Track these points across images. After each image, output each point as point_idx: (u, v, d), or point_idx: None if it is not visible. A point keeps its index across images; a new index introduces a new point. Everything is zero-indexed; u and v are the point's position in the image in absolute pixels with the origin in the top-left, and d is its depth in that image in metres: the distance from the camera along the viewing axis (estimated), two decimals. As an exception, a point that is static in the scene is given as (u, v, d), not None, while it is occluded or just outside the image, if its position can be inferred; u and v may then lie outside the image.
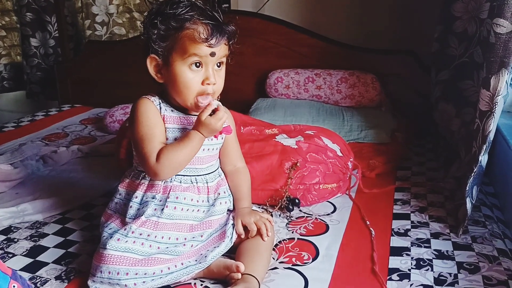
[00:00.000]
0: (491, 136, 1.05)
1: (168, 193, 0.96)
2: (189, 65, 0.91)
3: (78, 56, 2.33)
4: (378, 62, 1.82)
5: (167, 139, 0.95)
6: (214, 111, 0.91)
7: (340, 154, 1.32)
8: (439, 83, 1.52)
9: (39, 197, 1.25)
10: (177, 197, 0.96)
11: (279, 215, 1.20)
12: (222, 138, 1.04)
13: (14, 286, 0.70)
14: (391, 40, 1.91)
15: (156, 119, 0.95)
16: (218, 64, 0.94)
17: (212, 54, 0.91)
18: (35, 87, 2.50)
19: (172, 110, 0.97)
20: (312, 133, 1.37)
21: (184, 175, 0.98)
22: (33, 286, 0.80)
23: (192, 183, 0.98)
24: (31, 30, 2.41)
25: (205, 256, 0.93)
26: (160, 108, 0.96)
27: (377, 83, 1.77)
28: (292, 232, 1.12)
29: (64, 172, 1.45)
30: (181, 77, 0.91)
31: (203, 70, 0.92)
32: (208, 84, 0.92)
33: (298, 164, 1.25)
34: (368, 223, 1.15)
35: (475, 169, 1.06)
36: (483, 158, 1.09)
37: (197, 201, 0.99)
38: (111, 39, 2.35)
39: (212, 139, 1.00)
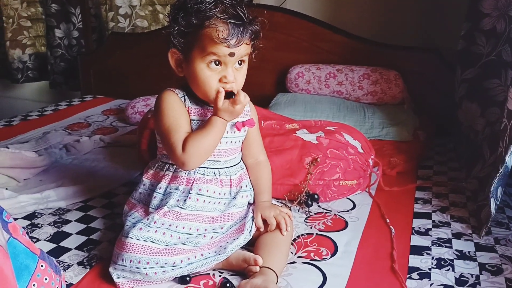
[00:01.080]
0: (519, 136, 1.03)
1: (192, 185, 0.96)
2: (208, 63, 0.90)
3: (101, 48, 2.36)
4: (402, 59, 1.79)
5: (192, 130, 0.96)
6: (233, 96, 0.91)
7: (361, 151, 1.31)
8: (464, 81, 1.49)
9: (62, 185, 1.28)
10: (200, 189, 0.96)
11: (298, 210, 1.19)
12: (245, 131, 1.04)
13: (42, 266, 0.72)
14: (416, 37, 1.88)
15: (181, 110, 0.95)
16: (240, 62, 0.93)
17: (231, 55, 0.89)
18: (59, 77, 2.55)
19: (196, 103, 0.98)
20: (333, 129, 1.36)
21: (207, 168, 0.98)
22: (59, 266, 0.82)
23: (215, 175, 0.99)
24: (56, 21, 2.45)
25: (224, 248, 0.94)
26: (185, 100, 0.97)
27: (400, 80, 1.74)
28: (311, 228, 1.11)
29: (86, 161, 1.48)
30: (199, 74, 0.91)
31: (222, 69, 0.91)
32: (226, 82, 0.91)
33: (318, 160, 1.24)
34: (388, 221, 1.13)
35: (501, 170, 1.04)
36: (509, 159, 1.06)
37: (219, 193, 0.99)
38: (134, 31, 2.37)
39: (235, 132, 1.00)
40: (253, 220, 1.00)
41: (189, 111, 0.96)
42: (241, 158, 1.07)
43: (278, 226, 1.00)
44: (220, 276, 0.93)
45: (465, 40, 1.48)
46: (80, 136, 1.66)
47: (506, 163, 1.05)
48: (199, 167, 0.97)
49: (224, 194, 1.00)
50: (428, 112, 1.74)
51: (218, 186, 0.99)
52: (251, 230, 0.99)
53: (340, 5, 2.02)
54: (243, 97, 0.90)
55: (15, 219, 1.11)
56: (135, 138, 1.52)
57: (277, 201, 1.20)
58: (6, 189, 1.25)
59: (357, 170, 1.27)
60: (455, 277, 0.92)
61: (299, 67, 1.86)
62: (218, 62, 0.91)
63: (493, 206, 1.05)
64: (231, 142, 1.00)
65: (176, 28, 0.90)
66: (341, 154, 1.27)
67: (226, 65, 0.91)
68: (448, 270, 0.94)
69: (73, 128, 1.82)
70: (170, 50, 0.94)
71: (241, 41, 0.89)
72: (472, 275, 0.92)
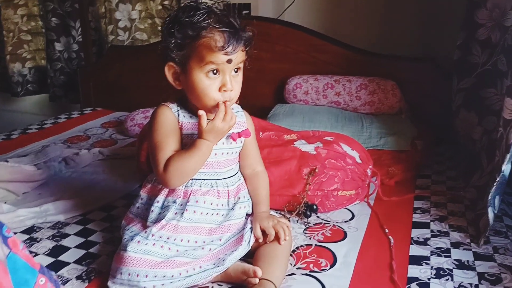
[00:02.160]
0: (515, 145, 1.03)
1: (188, 197, 0.97)
2: (206, 73, 0.92)
3: (100, 61, 2.37)
4: (399, 69, 1.81)
5: (185, 145, 0.96)
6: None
7: (359, 161, 1.31)
8: (461, 91, 1.50)
9: (61, 198, 1.28)
10: (197, 201, 0.97)
11: (297, 221, 1.19)
12: (241, 142, 1.04)
13: (42, 281, 0.72)
14: (412, 47, 1.90)
15: (172, 127, 0.96)
16: (236, 69, 0.95)
17: (229, 61, 0.91)
18: (58, 90, 2.56)
19: (190, 116, 0.98)
20: (331, 140, 1.36)
21: (204, 179, 0.99)
22: (59, 281, 0.82)
23: (212, 187, 0.99)
24: (56, 34, 2.47)
25: (223, 260, 0.94)
26: (178, 115, 0.97)
27: (397, 90, 1.76)
28: (310, 239, 1.11)
29: (85, 174, 1.48)
30: (198, 84, 0.92)
31: (220, 77, 0.92)
32: (225, 90, 0.93)
33: (316, 170, 1.24)
34: (387, 231, 1.13)
35: (498, 179, 1.05)
36: (506, 168, 1.07)
37: (217, 205, 0.99)
38: (133, 44, 2.39)
39: (231, 143, 1.00)
40: (251, 231, 1.00)
41: (183, 126, 0.97)
42: (239, 169, 1.07)
43: (276, 237, 1.00)
44: (219, 288, 0.93)
45: (461, 50, 1.49)
46: (79, 149, 1.67)
47: (503, 172, 1.06)
48: (195, 180, 0.97)
49: (222, 205, 1.00)
50: (426, 122, 1.75)
51: (216, 197, 0.99)
52: (249, 241, 0.99)
53: (337, 16, 2.04)
54: (229, 118, 0.91)
55: (14, 233, 1.11)
56: (134, 151, 1.52)
57: (276, 212, 1.20)
58: (5, 203, 1.25)
59: (355, 180, 1.27)
60: (454, 287, 0.91)
61: (297, 78, 1.87)
62: (216, 71, 0.92)
63: (491, 215, 1.05)
64: (227, 153, 1.01)
65: (173, 41, 0.91)
66: (339, 165, 1.27)
67: (224, 73, 0.92)
68: (447, 279, 0.94)
69: (72, 141, 1.83)
70: (167, 64, 0.95)
71: (237, 48, 0.91)
72: (471, 284, 0.92)
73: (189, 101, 0.98)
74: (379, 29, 1.97)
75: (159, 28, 2.35)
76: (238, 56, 0.93)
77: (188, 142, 0.96)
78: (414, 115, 1.77)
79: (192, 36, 0.90)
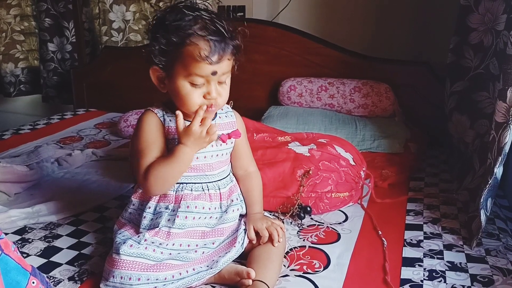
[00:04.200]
0: (507, 148, 1.04)
1: (180, 203, 0.95)
2: (190, 81, 0.89)
3: (94, 62, 2.36)
4: (392, 72, 1.82)
5: (171, 150, 0.94)
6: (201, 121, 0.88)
7: (353, 163, 1.32)
8: (454, 94, 1.52)
9: (53, 199, 1.27)
10: (188, 206, 0.95)
11: (291, 223, 1.20)
12: (232, 143, 1.03)
13: (33, 282, 0.72)
14: (406, 50, 1.91)
15: (156, 135, 0.94)
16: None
17: (214, 73, 0.88)
18: (51, 91, 2.55)
19: None
20: (325, 142, 1.37)
21: (194, 183, 0.97)
22: (51, 283, 0.81)
23: (203, 190, 0.97)
24: (49, 35, 2.46)
25: (216, 262, 0.94)
26: (164, 119, 0.95)
27: (391, 93, 1.77)
28: (304, 240, 1.11)
29: (78, 175, 1.47)
30: (182, 91, 0.90)
31: (205, 86, 0.90)
32: (210, 99, 0.90)
33: (310, 172, 1.25)
34: (380, 233, 1.14)
35: (490, 181, 1.06)
36: (498, 170, 1.08)
37: (209, 208, 0.98)
38: (127, 45, 2.38)
39: (221, 144, 0.99)
40: (245, 233, 1.00)
41: (169, 130, 0.95)
42: (231, 171, 1.06)
43: (270, 239, 0.99)
44: (212, 290, 0.93)
45: (454, 53, 1.51)
46: (72, 149, 1.66)
47: (495, 175, 1.07)
48: (186, 184, 0.96)
49: (215, 208, 0.99)
50: (419, 124, 1.76)
51: (208, 201, 0.97)
52: (243, 243, 0.98)
53: (331, 19, 2.05)
54: (208, 123, 0.87)
55: (6, 234, 1.10)
56: (128, 152, 1.52)
57: (270, 214, 1.20)
58: (-3, 203, 1.24)
59: (349, 182, 1.28)
60: (447, 289, 0.92)
61: (291, 80, 1.88)
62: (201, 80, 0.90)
63: (483, 218, 1.06)
64: (217, 155, 0.99)
65: (157, 47, 0.88)
66: (333, 167, 1.27)
67: (209, 82, 0.90)
68: (440, 281, 0.94)
69: (65, 142, 1.82)
70: (151, 67, 0.93)
71: (223, 57, 0.88)
72: (463, 286, 0.93)
73: (175, 104, 0.95)
74: (373, 32, 1.99)
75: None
76: (224, 65, 0.89)
77: (174, 147, 0.94)
78: (407, 118, 1.78)
79: (176, 43, 0.87)
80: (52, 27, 2.45)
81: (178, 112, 0.89)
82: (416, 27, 1.90)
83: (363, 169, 1.34)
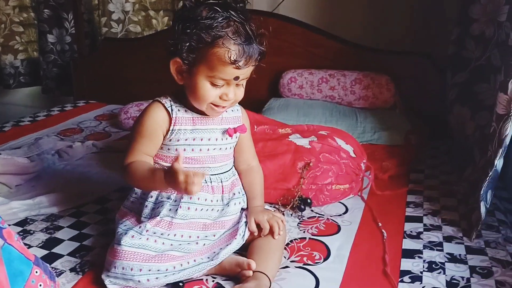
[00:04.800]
0: (508, 140, 1.04)
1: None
2: (211, 82, 0.90)
3: (93, 53, 2.36)
4: (393, 64, 1.81)
5: (178, 140, 0.95)
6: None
7: (353, 155, 1.32)
8: (455, 86, 1.51)
9: (54, 191, 1.27)
10: (190, 197, 0.96)
11: (291, 215, 1.20)
12: (236, 137, 1.03)
13: (36, 272, 0.72)
14: (407, 42, 1.90)
15: (154, 128, 0.95)
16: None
17: (236, 79, 0.89)
18: (51, 82, 2.54)
19: (186, 111, 0.96)
20: (326, 134, 1.37)
21: None
22: (54, 273, 0.82)
23: (206, 182, 0.98)
24: (48, 26, 2.44)
25: (217, 254, 0.94)
26: (172, 110, 0.95)
27: (392, 84, 1.76)
28: (304, 232, 1.12)
29: (79, 167, 1.47)
30: (201, 89, 0.90)
31: (224, 87, 0.91)
32: (226, 100, 0.92)
33: (311, 164, 1.25)
34: (380, 224, 1.14)
35: (490, 173, 1.06)
36: (499, 162, 1.08)
37: (211, 200, 0.99)
38: (127, 37, 2.37)
39: (226, 138, 1.00)
40: (246, 225, 1.00)
41: (176, 121, 0.95)
42: (233, 165, 1.07)
43: (271, 231, 1.00)
44: (213, 281, 0.93)
45: (455, 45, 1.50)
46: (72, 141, 1.66)
47: (496, 167, 1.07)
48: None
49: (217, 201, 1.00)
50: (420, 116, 1.76)
51: (210, 193, 0.98)
52: (244, 235, 0.99)
53: (332, 11, 2.04)
54: (193, 180, 0.80)
55: (7, 225, 1.10)
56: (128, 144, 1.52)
57: (270, 206, 1.20)
58: (-2, 195, 1.24)
59: (349, 174, 1.28)
60: (446, 280, 0.92)
61: (292, 72, 1.87)
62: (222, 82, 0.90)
63: (483, 210, 1.06)
64: (220, 148, 1.00)
65: (186, 43, 0.87)
66: (333, 159, 1.28)
67: (229, 84, 0.91)
68: (439, 273, 0.95)
69: (65, 134, 1.81)
70: (173, 59, 0.91)
71: (249, 63, 0.89)
72: (463, 278, 0.93)
73: (187, 97, 0.96)
74: (374, 23, 1.97)
75: (153, 20, 2.33)
76: (247, 70, 0.91)
77: (181, 137, 0.95)
78: (408, 110, 1.78)
79: (206, 42, 0.86)
80: (51, 18, 2.44)
81: (177, 165, 0.82)
82: (418, 18, 1.89)
83: (364, 161, 1.35)
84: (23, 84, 2.62)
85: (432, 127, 1.73)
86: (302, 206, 1.20)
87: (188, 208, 0.96)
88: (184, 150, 0.96)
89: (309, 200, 1.21)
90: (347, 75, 1.80)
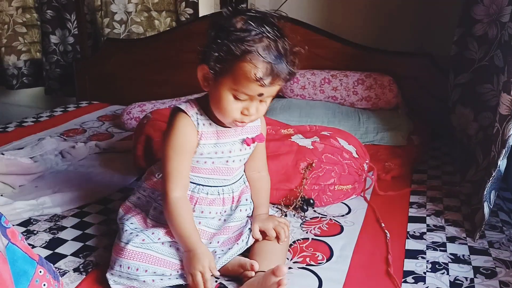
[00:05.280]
0: (511, 140, 1.04)
1: (194, 206, 0.96)
2: (234, 95, 0.87)
3: (96, 54, 2.36)
4: (396, 64, 1.81)
5: (201, 154, 0.94)
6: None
7: (356, 156, 1.32)
8: (457, 86, 1.51)
9: (58, 191, 1.28)
10: (202, 211, 0.96)
11: (294, 215, 1.20)
12: (254, 146, 1.02)
13: (40, 272, 0.72)
14: (409, 42, 1.90)
15: (191, 148, 0.93)
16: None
17: (260, 95, 0.86)
18: (54, 83, 2.55)
19: (210, 124, 0.94)
20: (328, 134, 1.37)
21: (211, 186, 0.98)
22: (58, 272, 0.82)
23: (219, 194, 0.98)
24: (51, 27, 2.45)
25: (219, 258, 0.94)
26: (198, 124, 0.93)
27: (394, 85, 1.76)
28: (307, 233, 1.12)
29: (82, 167, 1.48)
30: (223, 101, 0.87)
31: (247, 102, 0.88)
32: (247, 115, 0.89)
33: (313, 165, 1.25)
34: (383, 225, 1.14)
35: (494, 174, 1.06)
36: (502, 163, 1.08)
37: (220, 212, 0.99)
38: (129, 37, 2.37)
39: (245, 148, 0.99)
40: (250, 232, 1.00)
41: (202, 135, 0.93)
42: (243, 172, 1.06)
43: (276, 236, 1.00)
44: (216, 281, 0.93)
45: (458, 45, 1.50)
46: (75, 142, 1.66)
47: (499, 167, 1.07)
48: (203, 186, 0.97)
49: (225, 211, 1.00)
50: (422, 117, 1.76)
51: (221, 205, 0.99)
52: (247, 241, 0.98)
53: (334, 11, 2.04)
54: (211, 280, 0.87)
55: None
56: (131, 144, 1.52)
57: (273, 206, 1.20)
58: (1, 195, 1.24)
59: (352, 175, 1.28)
60: (450, 281, 0.92)
61: (294, 73, 1.87)
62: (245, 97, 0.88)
63: (486, 210, 1.06)
64: (239, 160, 0.99)
65: (216, 53, 0.84)
66: (336, 159, 1.27)
67: (251, 100, 0.88)
68: (442, 273, 0.95)
69: (68, 134, 1.82)
70: (201, 65, 0.89)
71: (275, 82, 0.85)
72: (466, 278, 0.93)
73: (210, 106, 0.93)
74: (377, 24, 1.97)
75: (156, 21, 2.34)
76: (273, 89, 0.87)
77: (204, 151, 0.94)
78: (410, 110, 1.78)
79: (235, 55, 0.83)
80: (54, 19, 2.44)
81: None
82: (420, 19, 1.89)
83: (366, 161, 1.34)
84: (26, 84, 2.63)
85: (435, 127, 1.73)
86: (305, 207, 1.20)
87: (200, 222, 0.96)
88: (205, 162, 0.96)
89: (311, 201, 1.21)
90: (349, 75, 1.80)
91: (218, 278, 0.94)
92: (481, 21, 1.38)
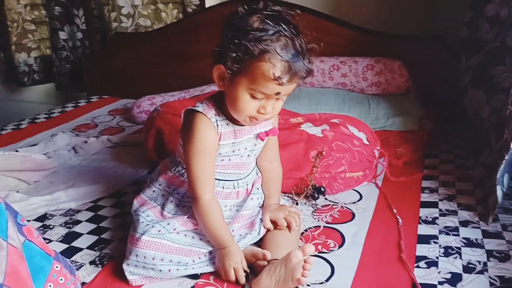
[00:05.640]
0: (524, 122, 1.02)
1: None
2: (251, 94, 0.87)
3: (105, 48, 2.37)
4: (405, 49, 1.79)
5: (219, 154, 0.95)
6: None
7: (367, 143, 1.31)
8: (469, 69, 1.48)
9: (72, 186, 1.30)
10: None
11: (305, 204, 1.20)
12: (267, 140, 1.02)
13: (57, 267, 0.74)
14: (419, 25, 1.87)
15: (215, 147, 0.94)
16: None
17: (277, 94, 0.86)
18: (64, 79, 2.57)
19: (227, 124, 0.94)
20: (338, 122, 1.36)
21: (227, 180, 0.99)
22: (74, 267, 0.84)
23: (234, 188, 1.00)
24: (60, 23, 2.46)
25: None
26: (217, 125, 0.93)
27: (404, 69, 1.74)
28: (318, 220, 1.12)
29: (94, 162, 1.50)
30: (240, 100, 0.87)
31: (263, 101, 0.88)
32: (263, 113, 0.89)
33: (323, 153, 1.25)
34: (395, 211, 1.14)
35: (507, 157, 1.04)
36: (515, 145, 1.06)
37: (234, 205, 1.01)
38: (137, 31, 2.38)
39: (259, 143, 1.00)
40: (261, 222, 1.01)
41: (221, 136, 0.94)
42: (256, 163, 1.07)
43: (287, 226, 1.00)
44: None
45: (469, 27, 1.47)
46: (87, 137, 1.68)
47: (512, 150, 1.05)
48: (219, 180, 0.98)
49: (237, 203, 1.02)
50: (434, 101, 1.73)
51: (235, 198, 1.00)
52: (259, 231, 0.99)
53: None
54: (243, 279, 0.89)
55: (28, 221, 1.13)
56: (142, 138, 1.54)
57: (284, 195, 1.21)
58: (17, 191, 1.27)
59: (362, 161, 1.27)
60: (463, 265, 0.92)
61: (302, 61, 1.85)
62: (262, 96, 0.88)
63: (499, 193, 1.05)
64: (254, 155, 1.01)
65: (233, 53, 0.84)
66: (346, 147, 1.27)
67: (268, 99, 0.88)
68: (455, 258, 0.95)
69: (80, 129, 1.84)
70: (217, 65, 0.89)
71: (293, 80, 0.85)
72: (479, 262, 0.93)
73: (225, 104, 0.93)
74: (385, 8, 1.94)
75: (163, 13, 2.33)
76: (290, 87, 0.87)
77: (223, 152, 0.95)
78: (421, 95, 1.75)
79: (253, 55, 0.83)
80: (62, 15, 2.45)
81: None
82: (430, 1, 1.85)
83: (377, 148, 1.34)
84: (37, 81, 2.66)
85: (447, 111, 1.70)
86: (316, 195, 1.20)
87: None
88: (222, 160, 0.97)
89: (322, 189, 1.21)
90: (358, 61, 1.79)
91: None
92: (493, 1, 1.35)
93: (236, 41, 0.84)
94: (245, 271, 0.90)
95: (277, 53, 0.82)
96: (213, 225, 0.91)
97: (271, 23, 0.83)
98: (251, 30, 0.83)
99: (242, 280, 0.89)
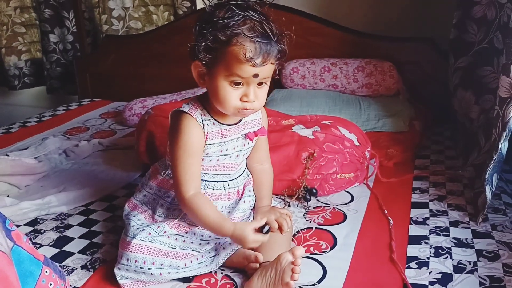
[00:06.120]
0: (511, 123, 1.04)
1: None
2: (230, 82, 0.87)
3: (96, 51, 2.36)
4: (395, 50, 1.80)
5: (207, 154, 0.95)
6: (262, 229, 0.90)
7: (357, 144, 1.32)
8: (458, 70, 1.50)
9: (63, 190, 1.29)
10: None
11: (297, 205, 1.21)
12: (256, 140, 1.02)
13: (46, 272, 0.74)
14: (408, 27, 1.89)
15: (201, 148, 0.93)
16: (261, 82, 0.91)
17: (255, 76, 0.86)
18: (55, 82, 2.56)
19: (214, 124, 0.94)
20: (329, 123, 1.37)
21: (217, 181, 0.98)
22: (64, 272, 0.83)
23: (224, 189, 0.99)
24: (50, 26, 2.45)
25: (224, 249, 0.95)
26: (203, 125, 0.93)
27: (395, 71, 1.75)
28: (310, 222, 1.13)
29: (86, 165, 1.49)
30: (221, 91, 0.88)
31: (244, 87, 0.88)
32: (246, 101, 0.89)
33: (315, 154, 1.25)
34: (386, 212, 1.15)
35: (495, 157, 1.05)
36: (503, 146, 1.07)
37: (225, 206, 1.00)
38: (128, 33, 2.37)
39: (248, 143, 1.00)
40: None
41: (208, 136, 0.93)
42: (246, 164, 1.06)
43: (279, 227, 1.00)
44: (221, 273, 0.94)
45: (457, 28, 1.48)
46: (78, 140, 1.67)
47: (500, 150, 1.06)
48: (209, 182, 0.97)
49: (229, 205, 1.01)
50: (424, 102, 1.75)
51: (226, 199, 0.99)
52: None
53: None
54: (261, 239, 0.89)
55: (18, 226, 1.13)
56: (133, 141, 1.53)
57: (276, 197, 1.21)
58: (8, 196, 1.26)
59: (354, 163, 1.28)
60: (453, 265, 0.93)
61: (293, 62, 1.87)
62: (240, 82, 0.88)
63: (488, 193, 1.06)
64: (243, 155, 1.00)
65: (203, 43, 0.85)
66: (337, 148, 1.28)
67: (248, 84, 0.87)
68: (446, 258, 0.95)
69: (71, 133, 1.83)
70: (194, 62, 0.90)
71: (267, 61, 0.85)
72: (469, 262, 0.94)
73: (211, 103, 0.93)
74: (374, 10, 1.96)
75: (154, 16, 2.33)
76: (266, 69, 0.87)
77: (210, 151, 0.94)
78: (411, 96, 1.77)
79: (222, 41, 0.84)
80: (52, 18, 2.45)
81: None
82: (418, 2, 1.87)
83: (368, 149, 1.35)
84: (28, 84, 2.65)
85: (437, 112, 1.72)
86: (308, 196, 1.21)
87: None
88: (210, 160, 0.96)
89: (314, 190, 1.22)
90: (349, 63, 1.80)
91: (223, 270, 0.95)
92: (480, 2, 1.36)
93: (205, 31, 0.85)
94: (259, 229, 0.89)
95: (245, 34, 0.83)
96: (207, 217, 0.90)
97: (237, 10, 0.85)
98: (218, 20, 0.85)
99: (266, 238, 0.90)
